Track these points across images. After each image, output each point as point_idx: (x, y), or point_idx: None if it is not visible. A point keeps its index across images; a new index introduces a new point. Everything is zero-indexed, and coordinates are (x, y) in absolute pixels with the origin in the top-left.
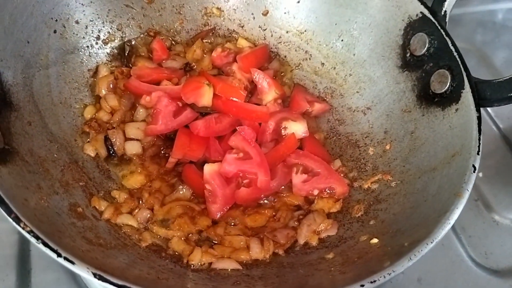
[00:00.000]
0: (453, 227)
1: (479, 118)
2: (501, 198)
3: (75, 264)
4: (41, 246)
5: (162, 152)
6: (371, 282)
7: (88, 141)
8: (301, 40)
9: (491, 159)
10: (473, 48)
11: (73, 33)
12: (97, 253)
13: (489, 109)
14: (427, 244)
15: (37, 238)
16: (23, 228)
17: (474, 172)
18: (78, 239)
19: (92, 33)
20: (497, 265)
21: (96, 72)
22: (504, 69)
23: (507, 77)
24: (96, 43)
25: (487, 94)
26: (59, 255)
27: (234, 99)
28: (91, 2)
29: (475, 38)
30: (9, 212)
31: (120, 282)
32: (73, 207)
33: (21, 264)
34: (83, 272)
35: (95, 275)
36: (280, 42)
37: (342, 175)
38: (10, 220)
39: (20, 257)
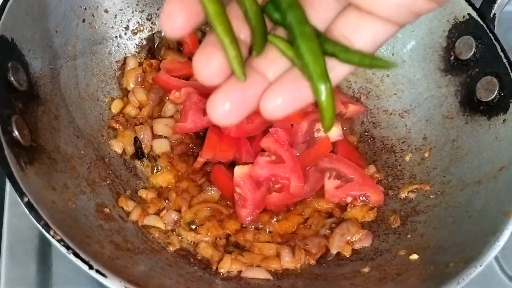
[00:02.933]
0: None
1: None
2: None
3: (107, 277)
4: (72, 257)
5: (191, 150)
6: None
7: (115, 137)
8: None
9: None
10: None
11: (102, 23)
12: (126, 260)
13: None
14: (475, 267)
15: (68, 248)
16: (53, 237)
17: None
18: (106, 244)
19: (121, 22)
20: None
21: (124, 64)
22: None
23: None
24: (125, 34)
25: None
26: (90, 267)
27: None
28: None
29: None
30: (39, 219)
31: None
32: (100, 208)
33: (42, 260)
34: (115, 286)
35: None
36: None
37: (376, 182)
38: (40, 227)
39: (40, 253)
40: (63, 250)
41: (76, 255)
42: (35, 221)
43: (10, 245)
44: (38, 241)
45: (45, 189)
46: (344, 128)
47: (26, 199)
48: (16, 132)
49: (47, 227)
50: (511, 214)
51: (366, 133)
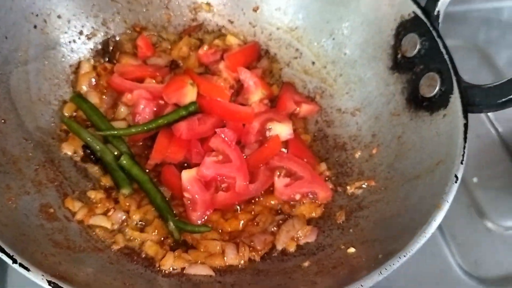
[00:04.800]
0: (443, 234)
1: (465, 126)
2: (496, 204)
3: (30, 271)
4: None
5: (145, 152)
6: None
7: (66, 140)
8: (292, 37)
9: (488, 164)
10: (475, 47)
11: (55, 28)
12: (62, 257)
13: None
14: (400, 257)
15: None
16: None
17: (456, 182)
18: (44, 242)
19: (75, 28)
20: (487, 274)
21: (78, 68)
22: (507, 70)
23: (497, 83)
24: (79, 38)
25: (476, 99)
26: (14, 261)
27: (219, 99)
28: None
29: (479, 37)
30: None
31: None
32: (44, 208)
33: None
34: (38, 280)
35: (49, 283)
36: (271, 39)
37: (326, 179)
38: None
39: None
40: None
41: (1, 249)
42: None
43: None
44: None
45: None
46: (298, 127)
47: None
48: None
49: None
50: (440, 206)
51: (319, 132)
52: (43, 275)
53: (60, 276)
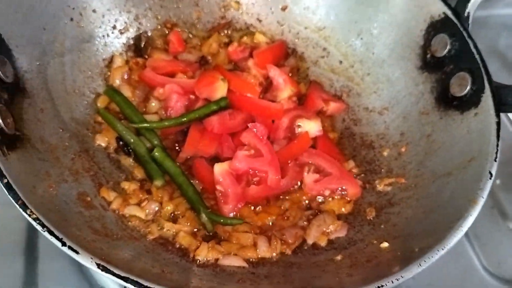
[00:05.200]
0: (466, 235)
1: (498, 124)
2: None
3: (79, 253)
4: (46, 234)
5: (176, 146)
6: (379, 287)
7: (100, 132)
8: (320, 37)
9: (510, 166)
10: (496, 51)
11: (90, 22)
12: (102, 244)
13: (510, 115)
14: (438, 251)
15: (43, 226)
16: (29, 215)
17: (490, 178)
18: (84, 229)
19: (108, 22)
20: (510, 274)
21: (111, 62)
22: None
23: None
24: (113, 33)
25: (508, 99)
26: (63, 244)
27: (249, 95)
28: None
29: (499, 41)
30: (17, 198)
31: (123, 274)
32: (81, 196)
33: (29, 251)
34: (87, 262)
35: (98, 265)
36: (298, 38)
37: (355, 176)
38: (18, 206)
39: (27, 244)
40: (39, 228)
41: (51, 232)
42: (13, 201)
43: None
44: (25, 234)
45: (26, 174)
46: (326, 125)
47: (5, 181)
48: (0, 120)
49: (24, 207)
50: (476, 202)
51: (346, 130)
52: (92, 258)
53: (106, 260)
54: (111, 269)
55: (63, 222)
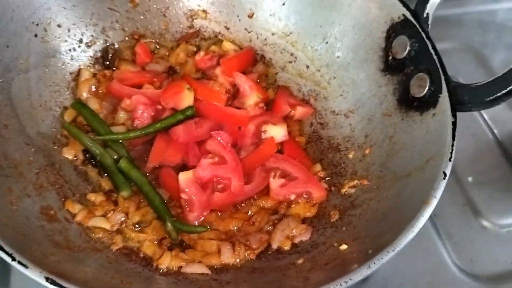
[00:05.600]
0: (438, 232)
1: (454, 123)
2: (491, 203)
3: (28, 268)
4: None
5: (144, 156)
6: None
7: (67, 145)
8: (287, 42)
9: (483, 164)
10: (471, 49)
11: (55, 37)
12: (62, 257)
13: (483, 113)
14: (388, 252)
15: None
16: None
17: (444, 178)
18: (44, 242)
19: (74, 36)
20: (482, 271)
21: (78, 75)
22: (503, 71)
23: (485, 81)
24: (79, 46)
25: (465, 98)
26: (13, 259)
27: (215, 103)
28: (73, 5)
29: (474, 39)
30: None
31: (70, 286)
32: (44, 210)
33: (1, 267)
34: (36, 276)
35: (47, 279)
36: (266, 45)
37: (321, 179)
38: None
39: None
40: None
41: (0, 248)
42: None
43: None
44: None
45: None
46: (294, 129)
47: None
48: None
49: None
50: (429, 202)
51: (314, 134)
52: (41, 272)
53: (59, 274)
54: (60, 282)
55: (21, 237)
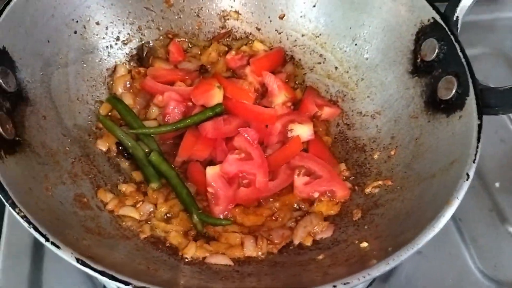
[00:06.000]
0: (462, 237)
1: (479, 126)
2: None
3: (60, 248)
4: (32, 230)
5: (174, 150)
6: (344, 284)
7: (101, 137)
8: (316, 43)
9: (511, 170)
10: (503, 54)
11: (93, 34)
12: (93, 242)
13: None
14: (408, 250)
15: (29, 223)
16: (17, 213)
17: (467, 180)
18: (77, 227)
19: (112, 34)
20: (506, 277)
21: (114, 71)
22: None
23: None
24: (116, 44)
25: (492, 101)
26: (47, 239)
27: (244, 101)
28: (112, 4)
29: (506, 44)
30: (7, 198)
31: (100, 268)
32: (78, 198)
33: (36, 252)
34: (67, 257)
35: (78, 260)
36: (295, 45)
37: (345, 178)
38: (7, 205)
39: (35, 245)
40: (25, 225)
41: (35, 228)
42: (4, 200)
43: (8, 242)
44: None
45: (23, 177)
46: (320, 129)
47: None
48: None
49: (13, 205)
50: (450, 203)
51: (340, 134)
52: (72, 253)
53: (89, 256)
54: (89, 263)
55: (55, 221)
